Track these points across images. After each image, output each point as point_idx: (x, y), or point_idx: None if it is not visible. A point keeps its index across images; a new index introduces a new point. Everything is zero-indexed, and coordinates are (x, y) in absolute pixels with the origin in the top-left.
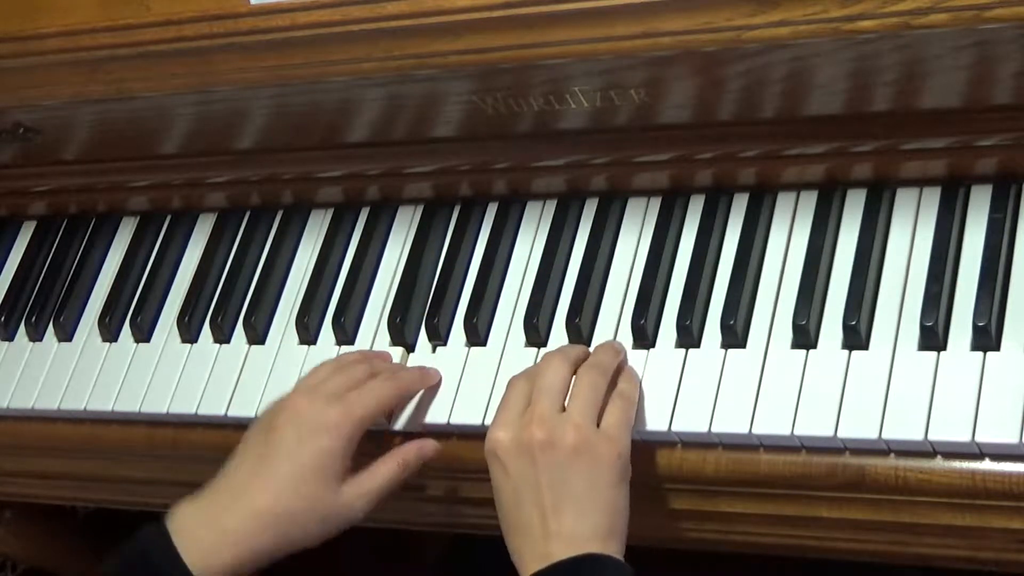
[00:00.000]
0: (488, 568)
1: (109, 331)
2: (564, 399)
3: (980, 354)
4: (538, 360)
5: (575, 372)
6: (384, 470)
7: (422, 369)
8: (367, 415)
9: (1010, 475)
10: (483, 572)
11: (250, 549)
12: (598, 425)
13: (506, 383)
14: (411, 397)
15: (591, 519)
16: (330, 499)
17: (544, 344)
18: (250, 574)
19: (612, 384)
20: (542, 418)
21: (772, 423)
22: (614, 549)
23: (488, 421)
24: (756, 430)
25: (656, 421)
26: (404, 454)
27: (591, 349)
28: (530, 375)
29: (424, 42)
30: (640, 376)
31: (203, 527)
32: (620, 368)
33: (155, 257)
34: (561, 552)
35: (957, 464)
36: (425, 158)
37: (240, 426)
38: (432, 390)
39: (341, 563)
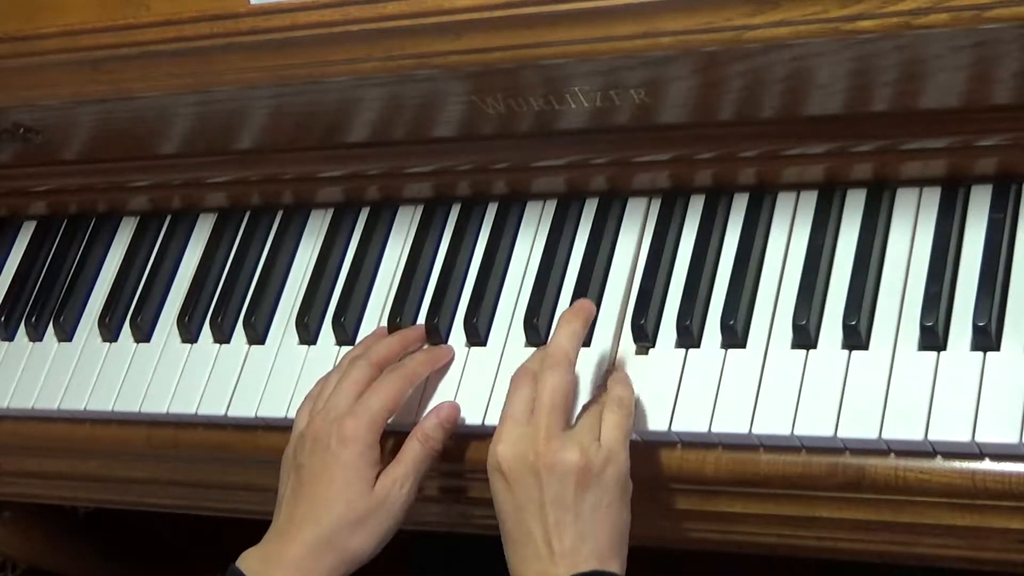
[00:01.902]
0: (486, 570)
1: (109, 331)
2: (568, 412)
3: (980, 354)
4: None
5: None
6: (408, 451)
7: (429, 351)
8: (378, 417)
9: (1010, 475)
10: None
11: (319, 573)
12: (599, 436)
13: (508, 381)
14: (422, 379)
15: (593, 538)
16: (364, 501)
17: (544, 344)
18: None
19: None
20: (547, 438)
21: (772, 423)
22: (616, 567)
23: (488, 421)
24: (756, 430)
25: (656, 421)
26: (423, 428)
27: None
28: (532, 375)
29: (424, 42)
30: (640, 376)
31: (273, 565)
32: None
33: (155, 257)
34: (564, 573)
35: (957, 464)
36: (425, 158)
37: (240, 426)
38: (433, 389)
39: None
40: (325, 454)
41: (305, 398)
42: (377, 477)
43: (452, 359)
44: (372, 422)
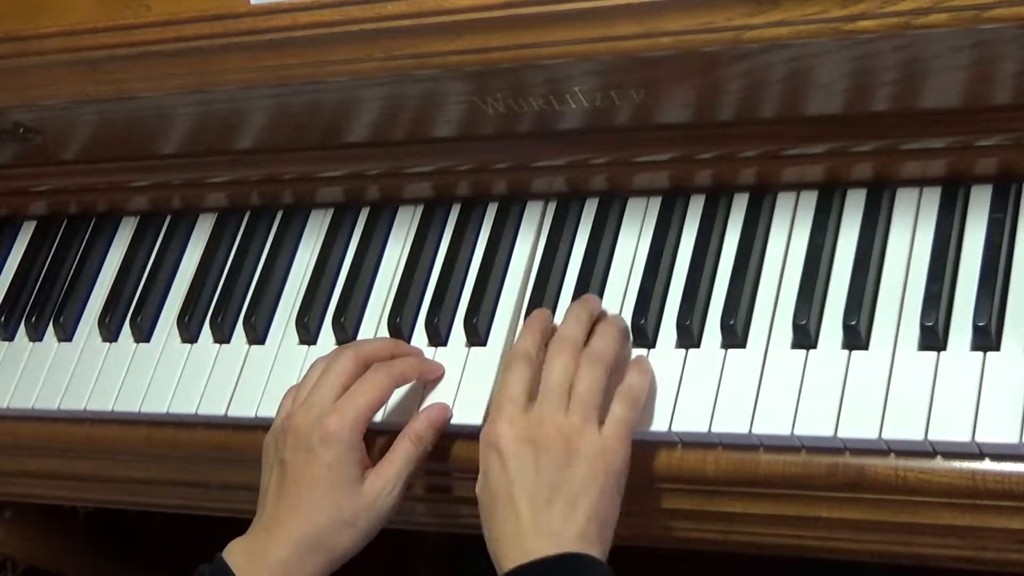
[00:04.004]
0: (488, 570)
1: (109, 331)
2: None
3: (980, 354)
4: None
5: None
6: (399, 452)
7: (422, 359)
8: (361, 415)
9: (1010, 475)
10: (482, 574)
11: (304, 573)
12: (601, 423)
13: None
14: (407, 383)
15: (580, 523)
16: (353, 502)
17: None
18: None
19: (618, 371)
20: (550, 419)
21: (772, 423)
22: (597, 554)
23: None
24: (756, 430)
25: (656, 421)
26: (414, 429)
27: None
28: (529, 356)
29: (424, 42)
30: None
31: (258, 562)
32: (628, 353)
33: (155, 257)
34: (545, 550)
35: (957, 464)
36: (425, 158)
37: (240, 426)
38: (431, 389)
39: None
40: (308, 453)
41: (291, 387)
42: (364, 475)
43: (442, 376)
44: (356, 420)
